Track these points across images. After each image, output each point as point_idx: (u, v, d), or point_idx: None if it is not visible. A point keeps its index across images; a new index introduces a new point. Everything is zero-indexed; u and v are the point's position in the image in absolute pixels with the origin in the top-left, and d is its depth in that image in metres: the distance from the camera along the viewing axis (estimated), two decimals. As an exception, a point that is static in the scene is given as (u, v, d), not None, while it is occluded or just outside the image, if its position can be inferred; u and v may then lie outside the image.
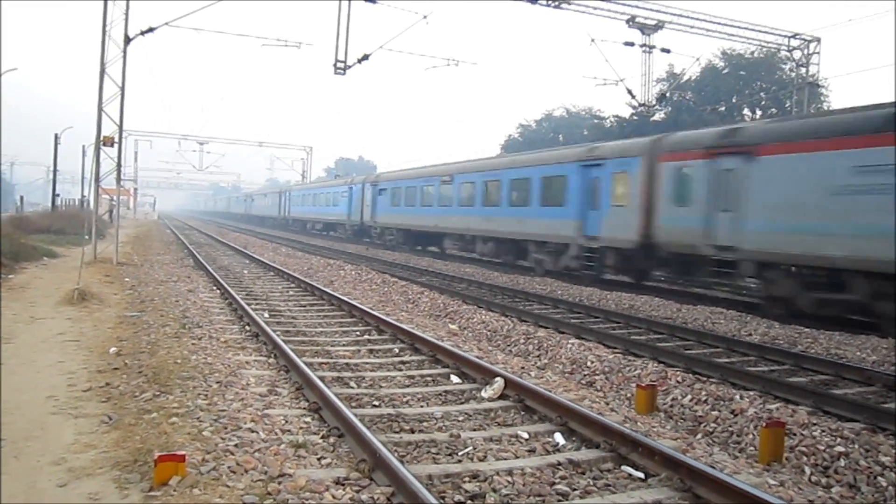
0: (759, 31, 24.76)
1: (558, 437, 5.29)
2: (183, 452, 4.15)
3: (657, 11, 22.68)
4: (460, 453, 4.91)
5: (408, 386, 6.94)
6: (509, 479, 4.40)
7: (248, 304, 11.17)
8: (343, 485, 4.15)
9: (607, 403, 6.77)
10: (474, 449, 4.99)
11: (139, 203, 72.46)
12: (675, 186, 15.26)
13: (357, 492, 4.06)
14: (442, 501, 4.06)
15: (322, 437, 5.05)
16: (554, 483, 4.40)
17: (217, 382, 6.31)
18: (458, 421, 5.77)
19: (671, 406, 6.99)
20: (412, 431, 5.40)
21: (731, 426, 6.36)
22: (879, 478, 5.15)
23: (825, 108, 33.86)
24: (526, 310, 12.60)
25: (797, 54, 26.22)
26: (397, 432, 5.36)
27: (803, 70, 26.35)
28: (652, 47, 23.31)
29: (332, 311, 11.69)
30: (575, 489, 4.35)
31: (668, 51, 23.77)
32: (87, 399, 5.79)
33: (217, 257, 23.05)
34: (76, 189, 58.51)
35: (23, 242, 18.61)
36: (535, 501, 4.15)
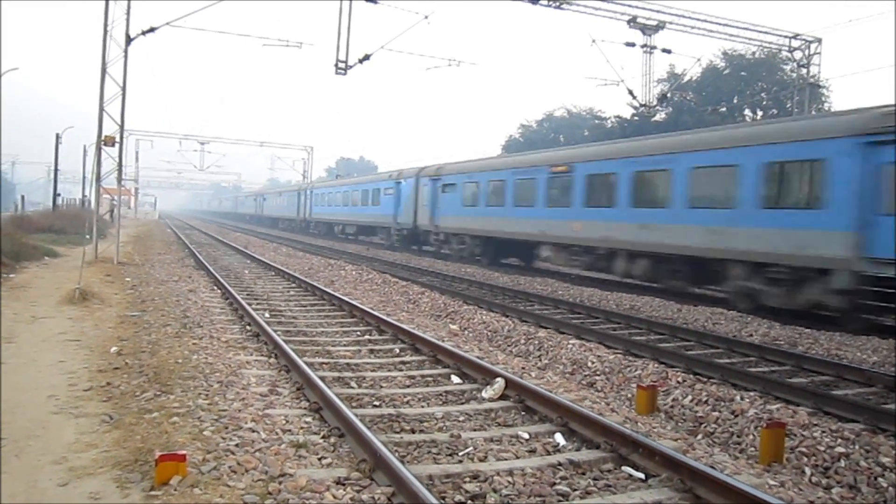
0: (760, 32, 24.76)
1: (559, 438, 5.30)
2: (184, 452, 4.16)
3: (658, 12, 22.69)
4: (461, 453, 4.92)
5: (408, 386, 6.95)
6: (510, 479, 4.41)
7: (249, 304, 11.18)
8: (344, 485, 4.15)
9: (608, 404, 6.77)
10: (475, 449, 5.00)
11: (140, 203, 72.45)
12: None
13: (358, 492, 4.06)
14: (442, 502, 4.06)
15: (323, 437, 5.05)
16: (554, 483, 4.40)
17: (218, 382, 6.31)
18: (459, 421, 5.77)
19: (672, 407, 6.99)
20: (413, 432, 5.40)
21: (731, 427, 6.36)
22: (880, 479, 5.15)
23: (826, 108, 33.85)
24: (527, 310, 12.60)
25: (798, 55, 26.22)
26: (398, 432, 5.37)
27: (804, 70, 26.34)
28: (653, 48, 23.31)
29: (333, 311, 11.69)
30: (575, 490, 4.35)
31: (669, 51, 23.78)
32: (88, 398, 5.80)
33: (218, 257, 23.06)
34: (77, 189, 58.61)
35: (24, 242, 18.62)
36: (536, 502, 4.16)
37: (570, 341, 9.56)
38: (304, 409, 5.79)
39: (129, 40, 18.15)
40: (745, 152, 13.70)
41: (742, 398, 6.83)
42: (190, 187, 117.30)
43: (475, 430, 5.54)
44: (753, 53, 38.13)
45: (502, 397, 6.41)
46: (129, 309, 10.76)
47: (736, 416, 6.50)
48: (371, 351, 8.59)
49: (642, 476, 4.58)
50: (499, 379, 6.61)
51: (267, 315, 10.78)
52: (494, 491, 4.23)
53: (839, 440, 5.67)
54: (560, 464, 4.70)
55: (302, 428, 5.25)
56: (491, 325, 11.03)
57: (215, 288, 14.10)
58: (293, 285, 15.47)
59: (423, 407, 6.15)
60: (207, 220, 76.28)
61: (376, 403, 6.18)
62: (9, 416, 5.20)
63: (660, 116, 40.22)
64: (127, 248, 22.33)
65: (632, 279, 17.42)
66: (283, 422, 5.33)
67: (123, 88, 18.38)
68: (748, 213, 13.43)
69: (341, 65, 18.92)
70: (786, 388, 7.35)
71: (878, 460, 5.35)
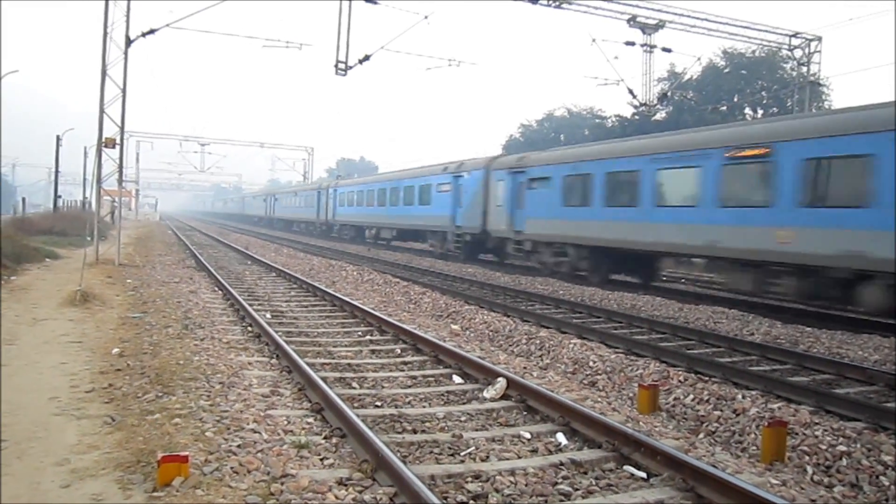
0: (761, 31, 24.76)
1: (560, 438, 5.30)
2: (186, 453, 4.16)
3: (658, 11, 22.69)
4: (463, 453, 4.92)
5: (410, 386, 6.95)
6: (512, 479, 4.41)
7: (250, 305, 11.18)
8: (346, 485, 4.16)
9: (609, 403, 6.77)
10: (477, 449, 5.00)
11: (140, 204, 72.50)
12: None
13: (360, 492, 4.07)
14: (444, 502, 4.07)
15: (324, 438, 5.06)
16: (556, 483, 4.40)
17: (219, 383, 6.32)
18: (461, 421, 5.77)
19: (673, 406, 6.98)
20: (414, 432, 5.41)
21: (733, 426, 6.36)
22: (882, 477, 5.14)
23: (827, 106, 33.82)
24: (528, 310, 12.60)
25: (798, 53, 26.22)
26: (399, 433, 5.37)
27: (805, 69, 26.33)
28: (653, 47, 23.31)
29: (334, 312, 11.69)
30: (577, 489, 4.35)
31: (669, 50, 23.78)
32: (89, 400, 5.81)
33: (219, 258, 23.07)
34: (78, 190, 58.62)
35: (25, 244, 18.64)
36: (538, 501, 4.16)
37: (572, 341, 9.56)
38: (306, 409, 5.79)
39: (129, 42, 18.16)
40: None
41: (744, 397, 6.82)
42: (190, 188, 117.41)
43: (477, 430, 5.54)
44: (754, 52, 38.07)
45: (504, 397, 6.41)
46: (131, 310, 10.77)
47: (737, 414, 6.50)
48: (372, 351, 8.59)
49: (644, 475, 4.58)
50: (500, 379, 6.61)
51: (268, 316, 10.79)
52: (496, 491, 4.23)
53: (841, 439, 5.66)
54: (562, 463, 4.70)
55: (304, 428, 5.25)
56: (492, 324, 11.03)
57: (216, 289, 14.10)
58: (294, 286, 15.48)
59: (424, 407, 6.15)
60: (210, 223, 75.35)
61: (378, 404, 6.18)
62: (11, 417, 5.21)
63: (660, 115, 40.18)
64: (128, 250, 22.35)
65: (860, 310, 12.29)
66: (285, 422, 5.34)
67: (124, 90, 18.39)
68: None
69: (341, 65, 18.92)
70: (787, 387, 7.35)
71: (880, 459, 5.35)
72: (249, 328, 9.60)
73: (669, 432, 5.91)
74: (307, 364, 6.86)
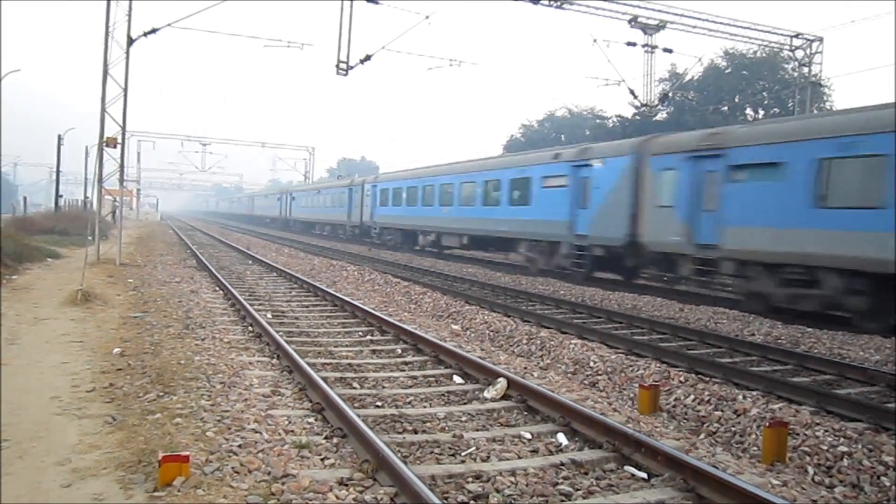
0: (762, 31, 24.75)
1: (561, 438, 5.30)
2: (187, 453, 4.17)
3: (659, 11, 22.68)
4: (463, 454, 4.92)
5: (411, 386, 6.95)
6: (512, 479, 4.41)
7: (251, 305, 11.19)
8: (346, 485, 4.16)
9: (610, 404, 6.77)
10: (477, 449, 5.00)
11: (141, 204, 72.54)
12: None
13: (360, 492, 4.07)
14: (445, 502, 4.07)
15: (325, 438, 5.06)
16: (557, 483, 4.40)
17: (220, 383, 6.32)
18: (461, 421, 5.77)
19: (674, 406, 6.98)
20: (415, 432, 5.41)
21: (734, 426, 6.36)
22: (883, 478, 5.14)
23: (828, 107, 33.82)
24: (528, 310, 12.60)
25: (800, 54, 26.20)
26: (400, 433, 5.37)
27: (806, 70, 26.32)
28: (654, 47, 23.30)
29: (335, 312, 11.70)
30: (578, 489, 4.35)
31: (670, 51, 23.77)
32: (91, 400, 5.81)
33: (219, 258, 23.08)
34: (79, 190, 58.58)
35: (26, 243, 18.67)
36: (539, 502, 4.16)
37: (573, 341, 9.56)
38: (307, 409, 5.79)
39: (130, 41, 18.17)
40: None
41: (744, 397, 6.82)
42: (191, 188, 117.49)
43: (477, 430, 5.54)
44: (755, 53, 38.09)
45: (504, 397, 6.41)
46: (132, 310, 10.78)
47: (738, 415, 6.50)
48: (373, 351, 8.59)
49: (645, 476, 4.58)
50: (501, 379, 6.61)
51: (269, 316, 10.79)
52: (497, 491, 4.23)
53: (842, 439, 5.66)
54: (562, 464, 4.70)
55: (304, 429, 5.25)
56: (493, 325, 11.03)
57: (217, 289, 14.11)
58: (295, 286, 15.48)
59: (425, 407, 6.15)
60: (213, 223, 74.92)
61: (378, 404, 6.18)
62: (12, 417, 5.21)
63: (661, 116, 40.18)
64: (129, 250, 22.38)
65: None
66: (286, 422, 5.34)
67: (125, 90, 18.41)
68: None
69: (342, 65, 18.93)
70: (788, 388, 7.35)
71: (881, 459, 5.35)
72: (250, 328, 9.61)
73: (670, 433, 5.91)
74: (308, 364, 6.86)
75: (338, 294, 13.05)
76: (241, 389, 6.17)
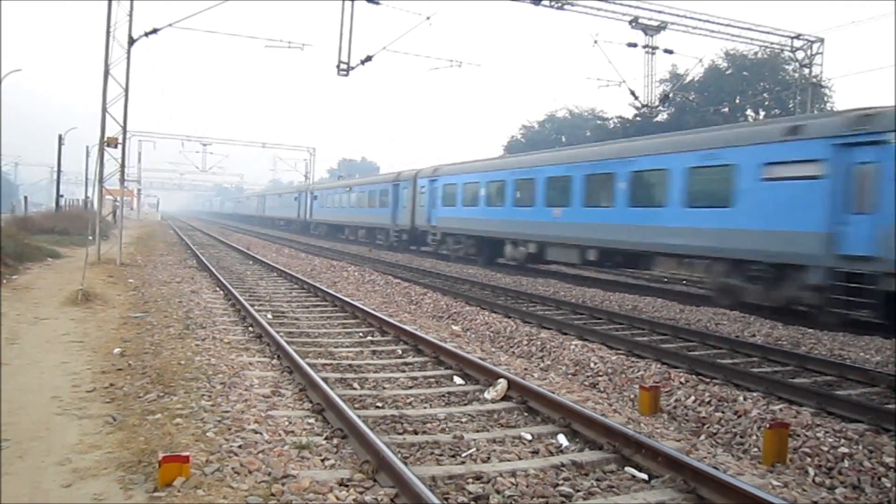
0: (763, 32, 24.73)
1: (561, 439, 5.29)
2: (187, 453, 4.17)
3: (660, 12, 22.67)
4: (464, 455, 4.92)
5: (411, 387, 6.95)
6: (513, 480, 4.40)
7: (252, 306, 11.19)
8: (347, 486, 4.16)
9: (610, 405, 6.77)
10: (478, 450, 5.00)
11: (142, 204, 72.52)
12: None
13: (361, 493, 4.07)
14: (445, 503, 4.07)
15: (325, 439, 5.06)
16: (557, 484, 4.40)
17: (221, 383, 6.32)
18: (462, 422, 5.77)
19: (674, 407, 6.98)
20: (415, 433, 5.40)
21: (734, 427, 6.35)
22: (883, 479, 5.14)
23: (829, 108, 33.82)
24: (529, 311, 12.59)
25: (800, 55, 26.18)
26: (401, 433, 5.37)
27: (807, 70, 26.31)
28: (655, 48, 23.29)
29: (336, 313, 11.70)
30: (578, 491, 4.35)
31: (670, 52, 23.76)
32: (91, 400, 5.81)
33: (220, 258, 23.09)
34: (80, 190, 58.54)
35: (27, 243, 18.68)
36: (539, 503, 4.16)
37: (573, 342, 9.56)
38: (307, 410, 5.79)
39: (131, 41, 18.18)
40: None
41: (745, 399, 6.82)
42: (192, 188, 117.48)
43: (478, 431, 5.54)
44: (755, 53, 38.05)
45: (505, 398, 6.40)
46: (132, 310, 10.78)
47: (739, 416, 6.49)
48: (373, 352, 8.59)
49: (645, 477, 4.58)
50: (501, 380, 6.61)
51: (269, 316, 10.79)
52: (497, 492, 4.23)
53: (842, 440, 5.66)
54: (563, 465, 4.70)
55: (305, 429, 5.25)
56: (493, 326, 11.03)
57: (217, 289, 14.11)
58: (296, 286, 15.48)
59: (425, 408, 6.15)
60: (214, 223, 74.71)
61: (379, 405, 6.18)
62: (12, 417, 5.21)
63: (662, 117, 40.17)
64: (129, 250, 22.39)
65: None
66: (286, 423, 5.34)
67: (126, 90, 18.41)
68: None
69: (343, 66, 18.93)
70: (789, 389, 7.35)
71: (882, 460, 5.35)
72: (251, 328, 9.61)
73: (671, 434, 5.91)
74: (308, 365, 6.86)
75: (338, 295, 13.04)
76: (241, 390, 6.17)
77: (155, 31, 18.49)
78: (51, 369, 6.82)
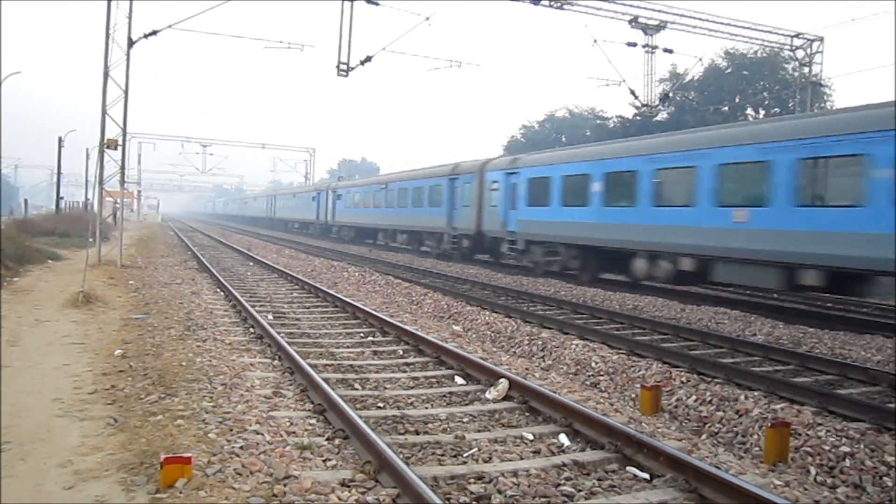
0: (762, 31, 24.76)
1: (563, 438, 5.29)
2: (189, 454, 4.17)
3: (659, 12, 22.70)
4: (465, 455, 4.92)
5: (412, 387, 6.95)
6: (514, 480, 4.40)
7: (252, 307, 11.19)
8: (348, 486, 4.16)
9: (612, 404, 6.77)
10: (479, 450, 5.00)
11: (142, 205, 72.53)
12: None
13: (362, 493, 4.07)
14: (447, 503, 4.07)
15: (327, 439, 5.06)
16: (559, 484, 4.40)
17: (222, 384, 6.32)
18: (463, 422, 5.77)
19: (676, 407, 6.98)
20: (417, 433, 5.40)
21: (735, 426, 6.35)
22: (885, 478, 5.14)
23: (829, 107, 33.81)
24: (530, 311, 12.59)
25: (800, 54, 26.20)
26: (402, 434, 5.37)
27: (806, 69, 26.31)
28: (654, 48, 23.31)
29: (336, 313, 11.70)
30: (580, 490, 4.35)
31: (670, 51, 23.79)
32: (92, 401, 5.81)
33: (220, 259, 23.09)
34: (80, 192, 58.57)
35: (27, 245, 18.69)
36: (541, 502, 4.15)
37: (574, 342, 9.56)
38: (309, 411, 5.79)
39: (131, 43, 18.19)
40: None
41: (746, 398, 6.82)
42: (192, 189, 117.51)
43: (479, 431, 5.53)
44: (755, 52, 38.07)
45: (506, 398, 6.40)
46: (133, 312, 10.78)
47: (740, 415, 6.49)
48: (374, 352, 8.59)
49: (647, 476, 4.58)
50: (502, 380, 6.61)
51: (270, 317, 10.79)
52: (499, 492, 4.23)
53: (844, 439, 5.66)
54: (564, 464, 4.70)
55: (306, 430, 5.25)
56: (494, 325, 11.03)
57: (218, 290, 14.11)
58: (296, 287, 15.48)
59: (427, 408, 6.15)
60: (218, 225, 74.76)
61: (380, 405, 6.18)
62: (14, 419, 5.21)
63: (661, 116, 40.16)
64: (130, 251, 22.39)
65: None
66: (288, 424, 5.34)
67: (126, 91, 18.42)
68: None
69: (343, 66, 18.97)
70: (790, 388, 7.34)
71: (883, 459, 5.34)
72: (251, 329, 9.61)
73: (672, 433, 5.91)
74: (309, 365, 6.86)
75: (339, 295, 13.04)
76: (242, 391, 6.17)
77: (154, 32, 18.50)
78: (52, 371, 6.82)
